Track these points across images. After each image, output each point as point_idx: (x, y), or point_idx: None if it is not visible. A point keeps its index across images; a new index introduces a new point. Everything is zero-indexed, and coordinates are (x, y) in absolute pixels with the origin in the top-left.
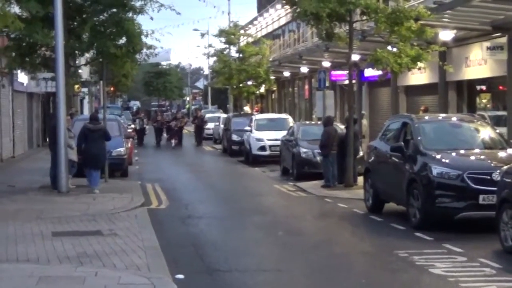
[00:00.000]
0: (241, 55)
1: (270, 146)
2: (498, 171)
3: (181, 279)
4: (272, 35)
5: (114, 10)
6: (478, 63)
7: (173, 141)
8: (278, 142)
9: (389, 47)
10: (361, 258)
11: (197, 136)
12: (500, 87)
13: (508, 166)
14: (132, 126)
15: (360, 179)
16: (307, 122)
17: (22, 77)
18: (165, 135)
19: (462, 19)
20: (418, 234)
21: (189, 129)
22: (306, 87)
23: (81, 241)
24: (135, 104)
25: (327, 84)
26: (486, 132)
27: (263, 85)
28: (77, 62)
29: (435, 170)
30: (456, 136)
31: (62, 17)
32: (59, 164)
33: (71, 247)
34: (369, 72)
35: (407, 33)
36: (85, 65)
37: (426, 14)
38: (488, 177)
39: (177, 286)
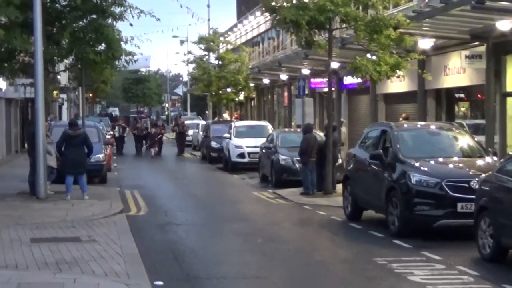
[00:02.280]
0: (220, 62)
1: (249, 153)
2: (477, 179)
3: (160, 286)
4: (252, 43)
5: (94, 16)
6: (457, 72)
7: (152, 150)
8: (257, 149)
9: (368, 55)
10: (340, 265)
11: (179, 144)
12: (479, 96)
13: (486, 174)
14: (111, 133)
15: (339, 187)
16: (286, 130)
17: (1, 82)
18: (144, 141)
19: (441, 27)
20: (396, 241)
21: (168, 136)
22: (286, 94)
23: (60, 247)
24: (113, 110)
25: (306, 92)
26: (465, 140)
27: (242, 92)
28: (56, 68)
29: (414, 178)
30: (435, 144)
31: (41, 23)
32: (38, 170)
33: (50, 254)
34: (348, 80)
35: (386, 41)
36: (64, 71)
37: (405, 22)
38: (467, 185)
39: None
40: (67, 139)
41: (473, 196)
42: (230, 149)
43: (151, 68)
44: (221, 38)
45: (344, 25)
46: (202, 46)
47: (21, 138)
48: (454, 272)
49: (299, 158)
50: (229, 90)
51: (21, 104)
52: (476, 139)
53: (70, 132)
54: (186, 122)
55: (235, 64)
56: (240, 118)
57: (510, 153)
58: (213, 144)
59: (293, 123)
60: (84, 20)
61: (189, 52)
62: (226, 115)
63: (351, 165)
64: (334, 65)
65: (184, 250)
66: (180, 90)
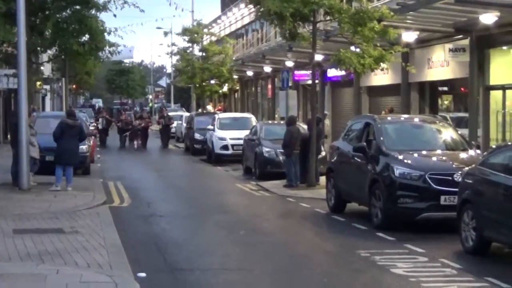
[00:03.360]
0: (204, 54)
1: (233, 145)
2: (460, 172)
3: (143, 278)
4: (236, 34)
5: (77, 7)
6: (441, 65)
7: (135, 142)
8: (241, 141)
9: (352, 48)
10: (323, 257)
11: (164, 137)
12: (462, 89)
13: (470, 167)
14: (94, 124)
15: (323, 179)
16: (270, 122)
17: None
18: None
19: (425, 20)
20: (380, 234)
21: (151, 128)
22: (269, 86)
23: (43, 238)
24: (97, 102)
25: (290, 84)
26: (448, 133)
27: (226, 84)
28: (39, 58)
29: (397, 170)
30: (418, 137)
31: (24, 13)
32: (21, 161)
33: (32, 245)
34: (332, 72)
35: (370, 34)
36: (47, 62)
37: (389, 15)
38: (450, 178)
39: (139, 285)
40: (65, 129)
41: (456, 189)
42: (214, 141)
43: (135, 59)
44: (205, 30)
45: (328, 18)
46: (186, 38)
47: (4, 129)
48: (437, 264)
49: (282, 151)
50: (212, 82)
51: (4, 95)
52: (459, 132)
53: (70, 122)
54: (170, 113)
55: (219, 56)
56: (224, 110)
57: (493, 146)
58: (197, 136)
59: (276, 115)
60: (68, 11)
61: (173, 44)
62: (209, 107)
63: (335, 158)
64: (318, 57)
65: (167, 242)
66: (163, 82)
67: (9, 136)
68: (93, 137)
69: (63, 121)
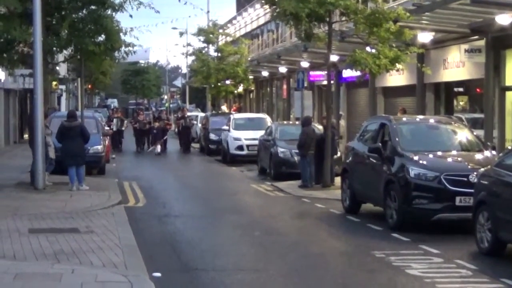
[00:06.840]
0: (219, 54)
1: (248, 146)
2: (475, 173)
3: (158, 277)
4: (251, 35)
5: (93, 7)
6: (456, 66)
7: (158, 147)
8: (256, 142)
9: (368, 48)
10: (338, 258)
11: (184, 140)
12: (478, 90)
13: (485, 168)
14: (107, 128)
15: (338, 180)
16: (285, 122)
17: (0, 73)
18: (146, 138)
19: (441, 21)
20: (395, 235)
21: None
22: (284, 87)
23: (58, 238)
24: (112, 102)
25: (305, 85)
26: (464, 134)
27: (241, 85)
28: (55, 59)
29: (413, 171)
30: (433, 138)
31: (40, 13)
32: (36, 161)
33: (48, 244)
34: (347, 73)
35: (386, 35)
36: (63, 62)
37: (405, 16)
38: (465, 179)
39: (154, 284)
40: (64, 131)
41: (472, 190)
42: (229, 141)
43: (150, 59)
44: (221, 30)
45: (344, 18)
46: (202, 38)
47: (20, 129)
48: (452, 265)
49: (297, 151)
50: (228, 82)
51: (20, 95)
52: (474, 133)
53: (66, 124)
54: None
55: (234, 57)
56: (239, 110)
57: (509, 147)
58: (212, 136)
59: (291, 116)
60: (84, 11)
61: (188, 44)
62: (224, 108)
63: (350, 158)
64: (334, 58)
65: (182, 242)
66: (179, 82)
67: (24, 135)
68: (108, 137)
69: (61, 123)
